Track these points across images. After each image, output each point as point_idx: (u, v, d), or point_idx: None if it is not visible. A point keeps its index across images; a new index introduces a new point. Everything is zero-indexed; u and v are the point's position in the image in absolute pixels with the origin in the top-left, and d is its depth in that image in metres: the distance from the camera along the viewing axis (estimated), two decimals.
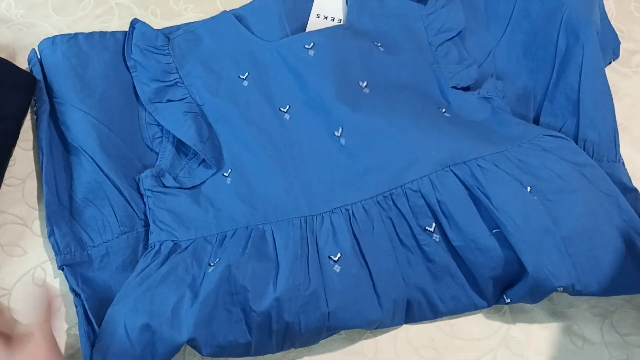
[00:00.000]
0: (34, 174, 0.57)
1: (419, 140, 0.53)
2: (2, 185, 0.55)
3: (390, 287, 0.49)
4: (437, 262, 0.50)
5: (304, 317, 0.46)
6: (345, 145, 0.54)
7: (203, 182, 0.55)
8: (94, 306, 0.50)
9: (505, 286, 0.51)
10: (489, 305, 0.51)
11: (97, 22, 0.66)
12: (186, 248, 0.51)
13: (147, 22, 0.61)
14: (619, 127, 0.56)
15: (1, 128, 0.55)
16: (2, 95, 0.55)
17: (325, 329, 0.47)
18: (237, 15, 0.64)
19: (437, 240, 0.50)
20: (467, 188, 0.50)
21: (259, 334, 0.46)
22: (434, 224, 0.50)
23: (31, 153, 0.58)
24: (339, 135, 0.55)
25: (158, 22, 0.65)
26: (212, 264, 0.48)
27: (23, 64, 0.60)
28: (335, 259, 0.48)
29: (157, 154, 0.57)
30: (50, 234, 0.52)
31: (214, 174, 0.55)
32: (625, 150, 0.56)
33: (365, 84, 0.58)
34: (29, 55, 0.60)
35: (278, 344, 0.48)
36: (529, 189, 0.48)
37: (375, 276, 0.48)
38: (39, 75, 0.58)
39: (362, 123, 0.54)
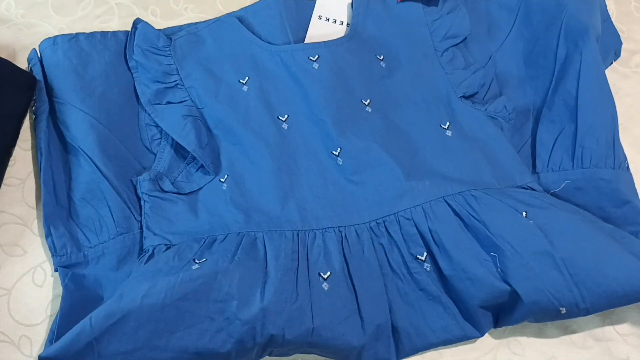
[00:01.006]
0: (33, 174, 0.57)
1: (415, 171, 0.54)
2: (2, 185, 0.55)
3: (374, 312, 0.48)
4: (428, 291, 0.49)
5: (288, 331, 0.45)
6: (342, 165, 0.54)
7: (200, 188, 0.55)
8: (77, 300, 0.50)
9: (497, 316, 0.50)
10: (482, 335, 0.50)
11: (97, 22, 0.66)
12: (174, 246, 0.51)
13: (147, 22, 0.61)
14: (619, 127, 0.56)
15: (1, 128, 0.55)
16: (2, 95, 0.55)
17: (307, 344, 0.46)
18: (239, 17, 0.63)
19: (428, 269, 0.50)
20: (460, 218, 0.50)
21: (241, 344, 0.45)
22: (425, 253, 0.50)
23: (31, 153, 0.58)
24: (336, 154, 0.55)
25: (158, 22, 0.65)
26: (197, 261, 0.48)
27: (23, 64, 0.60)
28: (325, 276, 0.48)
29: (155, 155, 0.57)
30: (47, 234, 0.52)
31: (211, 180, 0.55)
32: (625, 150, 0.56)
33: (368, 101, 0.57)
34: (29, 55, 0.60)
35: (257, 354, 0.47)
36: (524, 214, 0.49)
37: (360, 300, 0.48)
38: (39, 75, 0.58)
39: (360, 147, 0.55)
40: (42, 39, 0.59)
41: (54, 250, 0.51)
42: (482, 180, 0.53)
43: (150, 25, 0.61)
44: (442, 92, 0.59)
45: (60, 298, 0.51)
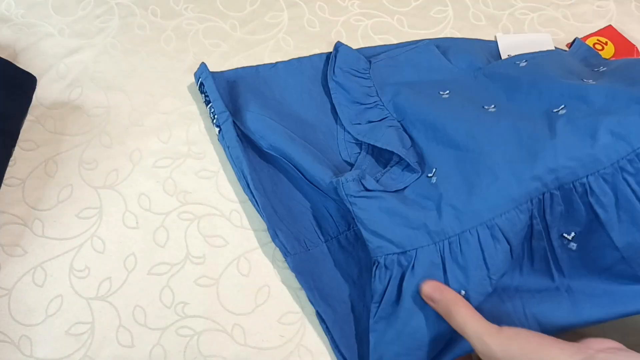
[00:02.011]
0: (34, 174, 0.57)
1: None
2: (2, 185, 0.55)
3: None
4: None
5: None
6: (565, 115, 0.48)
7: (406, 187, 0.52)
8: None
9: None
10: None
11: (97, 22, 0.66)
12: (413, 266, 0.47)
13: (147, 22, 0.61)
14: None
15: (1, 128, 0.55)
16: (2, 95, 0.55)
17: None
18: (437, 45, 0.65)
19: None
20: None
21: None
22: None
23: (31, 153, 0.58)
24: (558, 111, 0.48)
25: (158, 22, 0.65)
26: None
27: (23, 64, 0.60)
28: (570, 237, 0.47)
29: (353, 165, 0.58)
30: (274, 237, 0.53)
31: (418, 177, 0.53)
32: None
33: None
34: (199, 70, 0.60)
35: None
36: None
37: None
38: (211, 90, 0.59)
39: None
40: (42, 39, 0.59)
41: (285, 251, 0.52)
42: None
43: (350, 48, 0.62)
44: None
45: (60, 298, 0.51)
